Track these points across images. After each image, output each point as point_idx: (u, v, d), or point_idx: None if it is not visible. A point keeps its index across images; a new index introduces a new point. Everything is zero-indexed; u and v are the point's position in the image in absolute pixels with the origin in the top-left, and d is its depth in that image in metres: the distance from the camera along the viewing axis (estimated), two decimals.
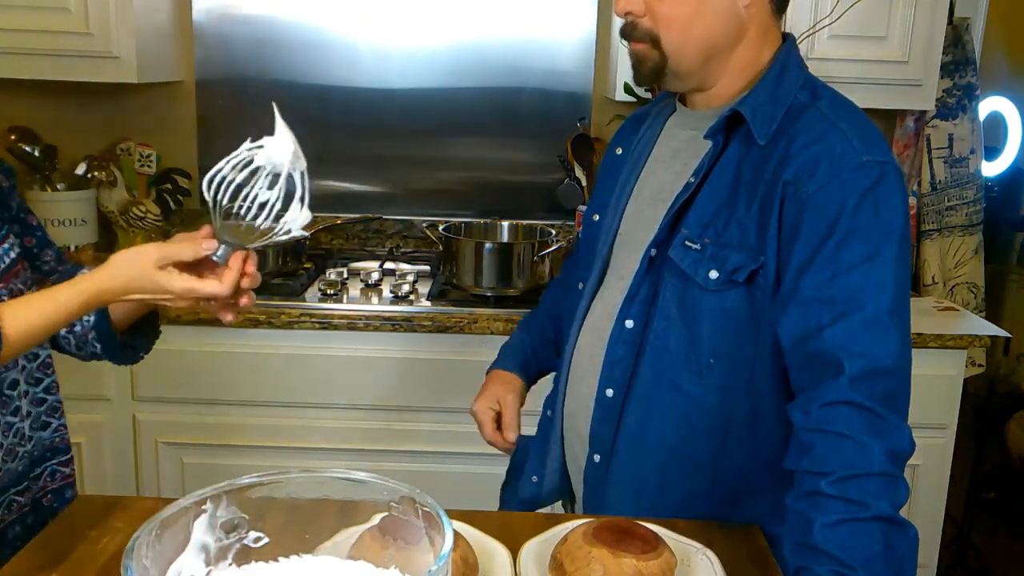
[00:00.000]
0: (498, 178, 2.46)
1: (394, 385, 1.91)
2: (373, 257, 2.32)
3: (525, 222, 2.28)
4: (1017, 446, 3.16)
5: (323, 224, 2.37)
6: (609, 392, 1.16)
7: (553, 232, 2.15)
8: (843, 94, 1.13)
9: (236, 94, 2.38)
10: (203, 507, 0.78)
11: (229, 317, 1.08)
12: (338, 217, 2.42)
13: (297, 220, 0.99)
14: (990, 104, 3.23)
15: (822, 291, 1.01)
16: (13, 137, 2.29)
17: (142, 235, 2.26)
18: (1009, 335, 1.99)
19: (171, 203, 2.33)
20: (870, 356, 0.99)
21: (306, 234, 1.02)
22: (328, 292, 1.98)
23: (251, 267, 1.02)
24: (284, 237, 1.00)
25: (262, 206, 0.98)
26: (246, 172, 0.99)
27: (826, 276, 1.01)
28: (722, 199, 1.08)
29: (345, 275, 2.10)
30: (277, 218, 0.99)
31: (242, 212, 0.99)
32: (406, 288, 1.99)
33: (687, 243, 1.09)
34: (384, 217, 2.46)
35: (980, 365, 2.38)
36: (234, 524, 0.81)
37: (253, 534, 0.82)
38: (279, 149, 1.01)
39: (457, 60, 2.36)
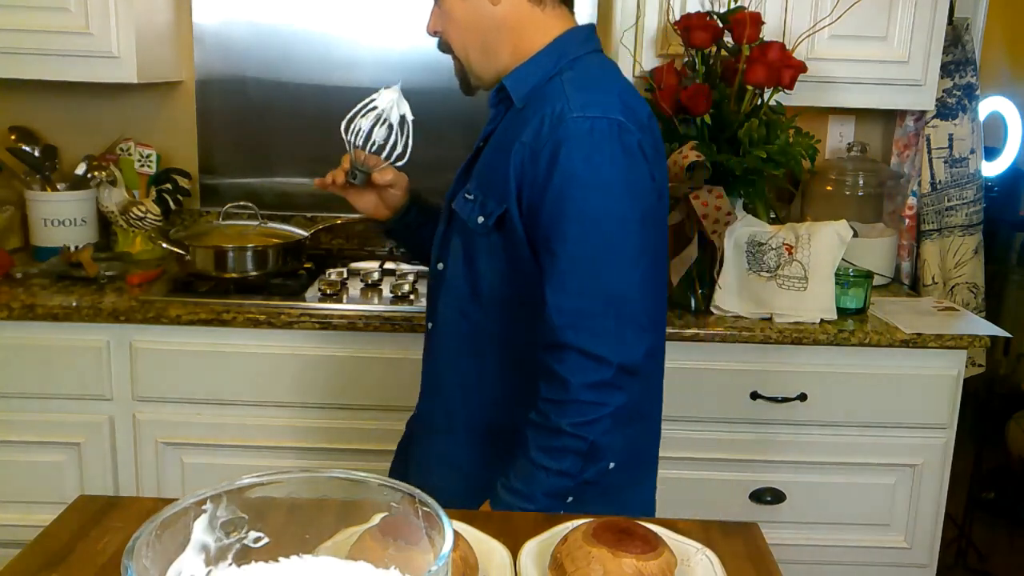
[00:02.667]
0: None
1: (394, 385, 1.91)
2: (373, 257, 2.31)
3: None
4: (1017, 446, 3.17)
5: (323, 224, 2.37)
6: (429, 324, 1.38)
7: None
8: (605, 70, 1.26)
9: (236, 94, 2.38)
10: (203, 507, 0.78)
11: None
12: (338, 217, 2.42)
13: (398, 153, 1.41)
14: (990, 104, 3.24)
15: (545, 240, 1.17)
16: (13, 137, 2.29)
17: (142, 235, 2.26)
18: (1009, 335, 1.99)
19: (171, 203, 2.33)
20: (565, 304, 1.15)
21: (406, 160, 1.43)
22: (328, 292, 1.98)
23: (380, 178, 1.42)
24: (398, 163, 1.43)
25: (376, 143, 1.39)
26: (370, 117, 1.38)
27: (544, 223, 1.17)
28: (493, 157, 1.26)
29: (345, 275, 2.10)
30: (389, 151, 1.40)
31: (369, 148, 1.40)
32: (406, 288, 1.99)
33: (465, 195, 1.28)
34: None
35: (980, 365, 2.38)
36: (234, 524, 0.81)
37: (253, 534, 0.82)
38: (386, 98, 1.39)
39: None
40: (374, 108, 1.38)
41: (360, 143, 1.39)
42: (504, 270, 1.24)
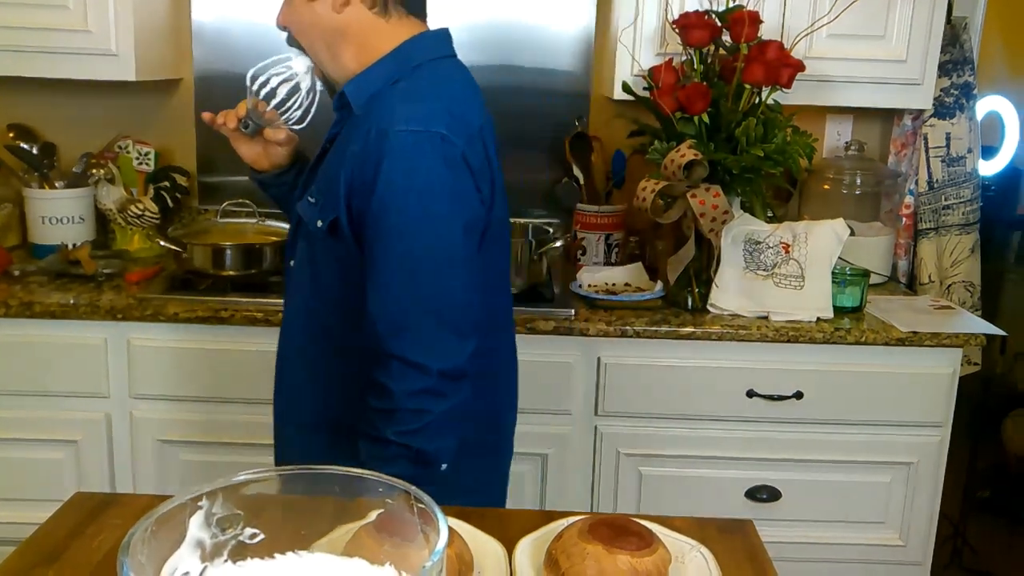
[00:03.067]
0: None
1: None
2: None
3: (523, 220, 2.28)
4: (1013, 445, 3.17)
5: None
6: (283, 319, 1.41)
7: (551, 230, 2.16)
8: (440, 79, 1.26)
9: (235, 91, 2.37)
10: (199, 503, 0.78)
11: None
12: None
13: (297, 116, 1.40)
14: (988, 103, 3.24)
15: (368, 249, 1.19)
16: (11, 135, 2.29)
17: (140, 233, 2.27)
18: (1005, 334, 2.00)
19: (169, 201, 2.33)
20: (384, 312, 1.18)
21: (303, 126, 1.42)
22: None
23: (272, 135, 1.41)
24: (295, 127, 1.42)
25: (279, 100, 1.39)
26: (281, 74, 1.38)
27: (368, 233, 1.18)
28: (331, 163, 1.27)
29: None
30: (289, 113, 1.40)
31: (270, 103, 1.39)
32: None
33: (308, 198, 1.29)
34: None
35: (976, 364, 2.39)
36: (230, 520, 0.81)
37: (249, 530, 0.82)
38: (304, 64, 1.36)
39: None
40: (289, 67, 1.38)
41: (262, 95, 1.39)
42: (340, 274, 1.26)
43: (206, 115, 1.44)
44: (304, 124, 1.42)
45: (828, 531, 2.01)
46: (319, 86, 1.38)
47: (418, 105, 1.20)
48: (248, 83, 1.39)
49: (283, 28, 1.34)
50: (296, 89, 1.38)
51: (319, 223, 1.25)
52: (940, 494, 2.01)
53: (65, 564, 1.01)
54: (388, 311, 1.18)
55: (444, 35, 1.34)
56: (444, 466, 1.22)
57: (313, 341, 1.34)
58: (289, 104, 1.40)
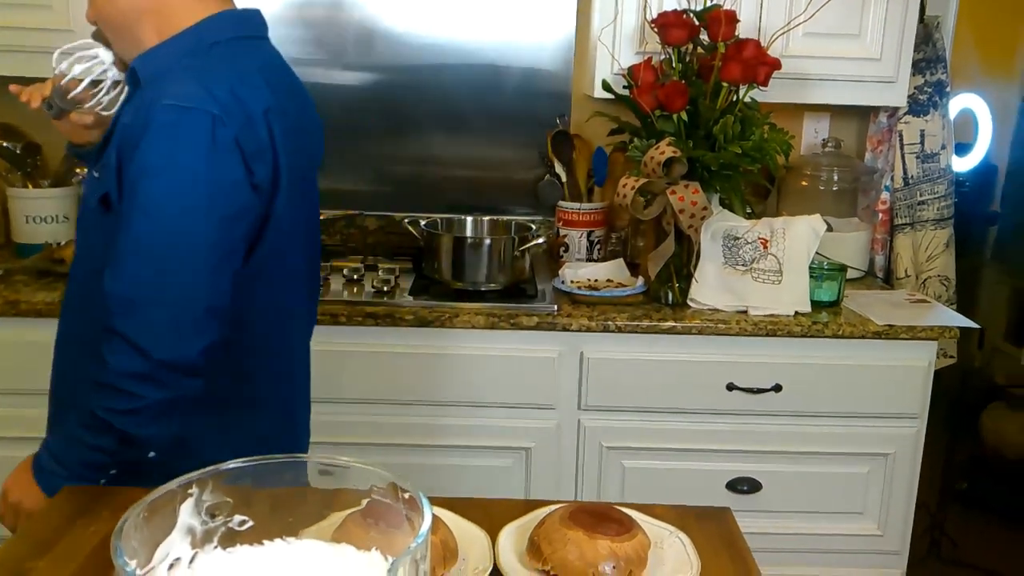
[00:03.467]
0: (479, 174, 2.48)
1: (377, 379, 1.93)
2: (355, 253, 2.33)
3: (506, 218, 2.31)
4: (990, 437, 3.22)
5: None
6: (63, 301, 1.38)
7: (533, 227, 2.18)
8: (229, 59, 1.22)
9: None
10: (189, 491, 0.80)
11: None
12: (320, 214, 2.43)
13: (104, 103, 1.35)
14: (961, 101, 3.29)
15: (119, 225, 1.16)
16: None
17: None
18: (978, 326, 2.04)
19: None
20: (119, 290, 1.14)
21: (111, 112, 1.34)
22: None
23: (78, 118, 1.36)
24: (104, 113, 1.35)
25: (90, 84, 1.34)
26: (89, 63, 1.32)
27: (123, 208, 1.15)
28: (118, 136, 1.21)
29: (328, 271, 2.12)
30: (97, 101, 1.34)
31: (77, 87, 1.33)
32: (388, 283, 2.01)
33: (93, 173, 1.27)
34: (366, 213, 2.48)
35: (952, 357, 2.43)
36: (220, 508, 0.83)
37: (238, 517, 0.84)
38: (110, 56, 1.32)
39: (439, 58, 2.38)
40: (96, 56, 1.32)
41: (70, 77, 1.33)
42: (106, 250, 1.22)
43: (13, 87, 1.37)
44: (112, 111, 1.34)
45: (808, 522, 2.04)
46: (122, 79, 1.33)
47: (195, 83, 1.15)
48: (54, 63, 1.32)
49: (93, 23, 1.29)
50: (103, 75, 1.33)
51: (95, 198, 1.22)
52: (917, 485, 2.05)
53: (56, 555, 1.02)
54: (121, 289, 1.14)
55: (250, 15, 1.30)
56: (152, 454, 1.19)
57: (87, 313, 1.27)
58: (97, 90, 1.34)
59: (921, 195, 2.39)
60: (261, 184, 1.20)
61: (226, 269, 1.18)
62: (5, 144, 2.25)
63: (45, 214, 2.21)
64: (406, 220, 2.27)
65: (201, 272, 1.15)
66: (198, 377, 1.17)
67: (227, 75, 1.19)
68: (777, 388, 1.95)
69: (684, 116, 1.93)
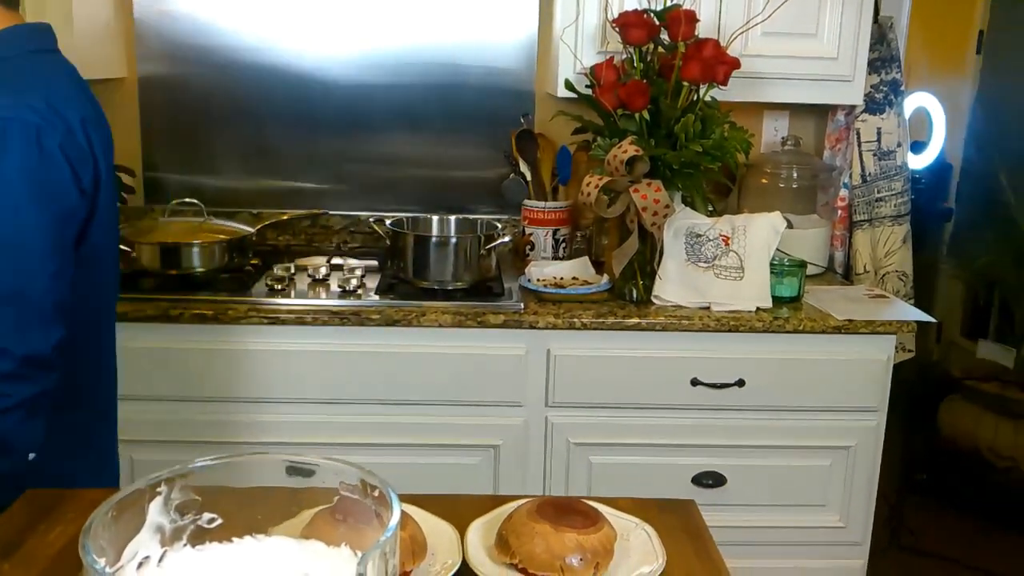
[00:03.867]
0: (444, 174, 2.49)
1: (343, 379, 1.93)
2: (320, 253, 2.33)
3: (472, 216, 2.32)
4: (947, 429, 3.30)
5: (269, 220, 2.38)
6: None
7: (499, 226, 2.19)
8: (35, 71, 1.24)
9: (178, 90, 2.38)
10: (158, 489, 0.80)
11: None
12: (284, 213, 2.43)
13: None
14: (915, 100, 3.36)
15: None
16: None
17: None
18: (934, 320, 2.08)
19: None
20: None
21: None
22: (276, 287, 1.99)
23: None
24: None
25: None
26: None
27: None
28: None
29: (292, 270, 2.11)
30: None
31: None
32: (354, 283, 2.01)
33: None
34: (331, 213, 2.47)
35: (910, 351, 2.48)
36: (188, 506, 0.83)
37: (207, 515, 0.84)
38: None
39: (401, 58, 2.39)
40: None
41: None
42: None
43: None
44: None
45: (772, 514, 2.08)
46: None
47: (9, 95, 1.19)
48: None
49: None
50: None
51: None
52: (877, 476, 2.09)
53: (21, 558, 1.01)
54: None
55: (44, 28, 1.33)
56: (32, 456, 1.21)
57: None
58: None
59: (879, 192, 2.43)
60: (87, 189, 1.25)
61: (66, 267, 1.23)
62: None
63: None
64: (371, 219, 2.28)
65: (46, 269, 1.19)
66: (54, 371, 1.21)
67: (39, 86, 1.22)
68: (740, 383, 1.98)
69: (646, 115, 1.95)
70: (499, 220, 2.29)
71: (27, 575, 0.99)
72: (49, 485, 1.18)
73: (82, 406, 1.41)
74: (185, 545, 0.83)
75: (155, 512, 0.80)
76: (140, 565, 0.79)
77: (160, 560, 0.81)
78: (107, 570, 0.72)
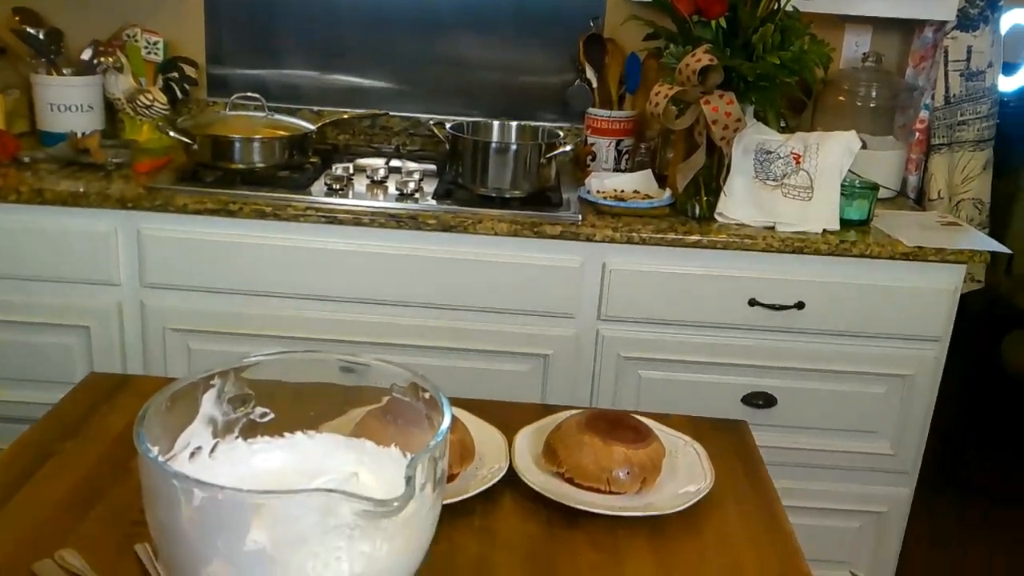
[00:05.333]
0: (508, 78, 2.43)
1: (398, 282, 1.94)
2: (379, 154, 2.31)
3: (533, 123, 2.27)
4: (1010, 364, 3.21)
5: (329, 119, 2.36)
6: None
7: (561, 134, 2.14)
8: None
9: None
10: (212, 382, 0.81)
11: None
12: (344, 112, 2.41)
13: None
14: (1013, 17, 3.16)
15: None
16: (17, 19, 2.26)
17: (149, 124, 2.26)
18: (1009, 251, 2.00)
19: (178, 92, 2.32)
20: None
21: None
22: (334, 187, 1.99)
23: None
24: None
25: None
26: None
27: None
28: None
29: (351, 171, 2.10)
30: None
31: None
32: (412, 186, 2.00)
33: None
34: (391, 114, 2.45)
35: (979, 281, 2.40)
36: (241, 400, 0.84)
37: (259, 410, 0.86)
38: None
39: None
40: None
41: None
42: None
43: None
44: None
45: (820, 439, 2.06)
46: None
47: None
48: None
49: None
50: None
51: None
52: (933, 408, 2.05)
53: (82, 439, 1.04)
54: None
55: None
56: None
57: None
58: None
59: (962, 115, 2.31)
60: None
61: None
62: (28, 29, 2.22)
63: (69, 103, 2.20)
64: (432, 122, 2.24)
65: None
66: None
67: None
68: (800, 305, 1.94)
69: (723, 23, 1.86)
70: (561, 128, 2.23)
71: (88, 454, 1.03)
72: None
73: None
74: (237, 438, 0.85)
75: (208, 404, 0.81)
76: (192, 455, 0.80)
77: (212, 451, 0.83)
78: (160, 458, 0.73)
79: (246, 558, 0.65)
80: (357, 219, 1.89)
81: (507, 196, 1.99)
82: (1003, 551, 2.61)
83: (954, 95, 2.31)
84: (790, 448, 2.05)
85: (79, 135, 2.11)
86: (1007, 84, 3.11)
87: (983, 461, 3.00)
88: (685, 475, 1.04)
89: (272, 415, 0.86)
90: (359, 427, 0.87)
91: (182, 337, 2.00)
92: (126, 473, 0.98)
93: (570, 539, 0.94)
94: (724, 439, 1.15)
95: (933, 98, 2.32)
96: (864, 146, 2.04)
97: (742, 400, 2.02)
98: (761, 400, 2.02)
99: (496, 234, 1.89)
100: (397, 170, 2.15)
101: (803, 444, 2.05)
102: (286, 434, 0.87)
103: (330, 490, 0.64)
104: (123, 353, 2.01)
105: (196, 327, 1.98)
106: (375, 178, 2.07)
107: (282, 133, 2.07)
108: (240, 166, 2.01)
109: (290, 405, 0.87)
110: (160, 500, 0.67)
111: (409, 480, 0.66)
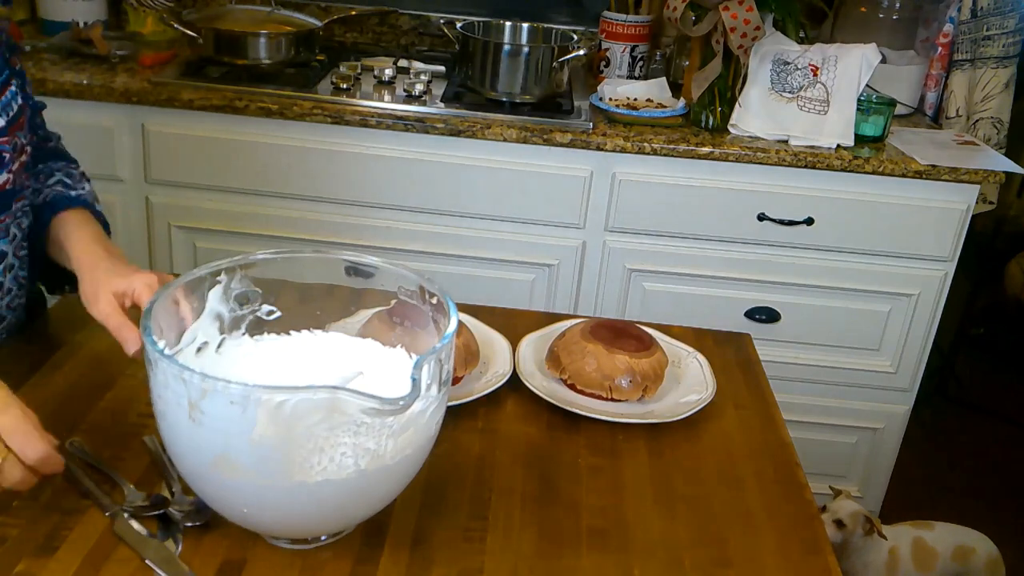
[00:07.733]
0: None
1: (404, 186, 1.92)
2: (387, 53, 2.26)
3: (547, 25, 2.20)
4: (1013, 286, 3.21)
5: (337, 15, 2.30)
6: None
7: (575, 38, 2.09)
8: None
9: None
10: (218, 278, 0.81)
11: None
12: (352, 8, 2.34)
13: None
14: None
15: None
16: None
17: (153, 15, 2.20)
18: (1023, 171, 1.97)
19: None
20: None
21: None
22: (341, 86, 1.95)
23: None
24: None
25: None
26: None
27: None
28: None
29: (358, 70, 2.06)
30: None
31: None
32: (420, 88, 1.96)
33: None
34: (400, 11, 2.38)
35: (991, 202, 2.37)
36: (248, 296, 0.84)
37: (266, 307, 0.86)
38: None
39: None
40: None
41: None
42: None
43: None
44: None
45: (822, 354, 2.07)
46: None
47: None
48: None
49: None
50: None
51: None
52: (936, 327, 2.06)
53: (90, 330, 1.05)
54: None
55: None
56: None
57: None
58: None
59: (987, 29, 2.25)
60: None
61: None
62: None
63: None
64: (442, 21, 2.18)
65: None
66: None
67: None
68: (809, 221, 1.93)
69: None
70: (575, 31, 2.17)
71: (94, 347, 1.04)
72: None
73: None
74: (243, 334, 0.85)
75: (215, 300, 0.81)
76: (199, 350, 0.81)
77: (219, 347, 0.83)
78: (166, 351, 0.74)
79: (252, 452, 0.66)
80: (364, 121, 1.86)
81: (517, 101, 1.96)
82: (990, 467, 2.66)
83: (981, 8, 2.23)
84: (791, 363, 2.06)
85: (81, 25, 2.07)
86: None
87: (979, 379, 3.03)
88: (687, 385, 1.05)
89: (278, 313, 0.87)
90: (365, 327, 0.88)
91: (188, 235, 1.99)
92: (134, 365, 0.99)
93: (570, 442, 0.96)
94: (726, 351, 1.16)
95: (959, 11, 2.25)
96: (884, 60, 1.99)
97: (745, 314, 2.02)
98: (764, 315, 2.02)
99: (505, 140, 1.86)
100: (405, 71, 2.10)
101: (804, 359, 2.07)
102: (292, 332, 0.87)
103: (336, 387, 0.64)
104: (130, 249, 2.01)
105: (202, 225, 1.97)
106: (382, 79, 2.03)
107: (288, 28, 2.02)
108: (246, 62, 1.97)
109: (296, 304, 0.87)
110: (167, 393, 0.68)
111: (415, 380, 0.67)
